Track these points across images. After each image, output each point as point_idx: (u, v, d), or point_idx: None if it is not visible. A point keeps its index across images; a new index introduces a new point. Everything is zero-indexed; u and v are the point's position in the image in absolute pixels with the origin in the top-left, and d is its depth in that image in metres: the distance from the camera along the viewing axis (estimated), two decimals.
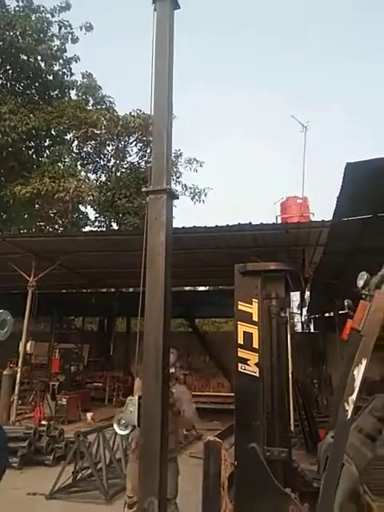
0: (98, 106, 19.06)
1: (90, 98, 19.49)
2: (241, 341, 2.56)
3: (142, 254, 3.42)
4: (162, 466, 2.96)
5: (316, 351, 13.00)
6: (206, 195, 17.68)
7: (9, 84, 18.29)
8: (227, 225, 7.31)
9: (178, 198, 3.56)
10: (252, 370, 2.49)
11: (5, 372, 9.77)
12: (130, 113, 16.53)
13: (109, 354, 15.04)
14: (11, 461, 6.26)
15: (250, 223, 7.13)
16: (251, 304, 2.59)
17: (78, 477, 5.50)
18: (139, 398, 3.07)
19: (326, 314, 14.18)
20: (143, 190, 3.57)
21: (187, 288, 18.65)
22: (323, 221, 6.76)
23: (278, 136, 58.64)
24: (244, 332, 2.56)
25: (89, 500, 4.98)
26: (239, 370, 2.51)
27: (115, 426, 3.14)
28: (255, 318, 2.57)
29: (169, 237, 3.39)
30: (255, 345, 2.53)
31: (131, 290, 17.35)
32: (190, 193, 17.65)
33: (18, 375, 9.60)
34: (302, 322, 14.54)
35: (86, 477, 5.58)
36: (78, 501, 4.99)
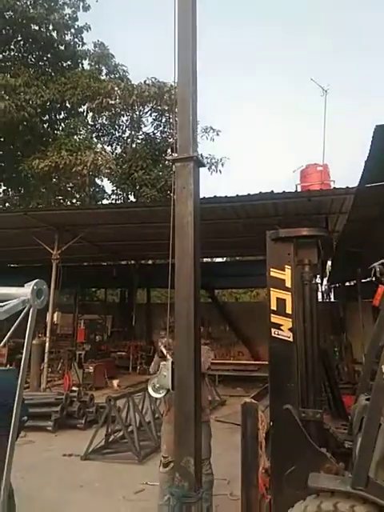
0: (112, 75, 18.70)
1: (103, 68, 19.12)
2: (274, 307, 2.59)
3: (170, 225, 3.44)
4: (196, 426, 3.08)
5: (336, 320, 13.02)
6: (222, 165, 17.40)
7: (21, 56, 18.05)
8: (248, 194, 7.22)
9: (204, 166, 3.52)
10: (285, 334, 2.53)
11: (34, 342, 10.11)
12: (145, 81, 16.19)
13: (131, 325, 15.39)
14: (45, 425, 6.62)
15: (272, 192, 7.03)
16: (284, 270, 2.60)
17: (111, 439, 5.78)
18: (173, 363, 3.17)
19: (347, 283, 14.10)
20: (168, 158, 3.58)
21: (206, 259, 18.74)
22: (347, 187, 6.61)
23: (296, 103, 56.58)
24: (277, 298, 2.59)
25: (122, 460, 5.25)
26: (272, 335, 2.56)
27: (150, 390, 3.27)
28: (288, 285, 2.58)
29: (197, 206, 3.39)
30: (288, 310, 2.56)
31: (150, 262, 17.55)
32: (207, 163, 17.38)
33: (47, 345, 9.96)
34: (322, 292, 14.50)
35: (118, 439, 5.85)
36: (112, 461, 5.27)
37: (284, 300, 2.57)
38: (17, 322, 3.01)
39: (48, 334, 10.02)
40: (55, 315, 10.42)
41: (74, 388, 8.31)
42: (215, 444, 3.94)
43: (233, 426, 7.07)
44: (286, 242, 2.62)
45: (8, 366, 11.83)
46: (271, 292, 2.61)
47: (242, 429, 2.30)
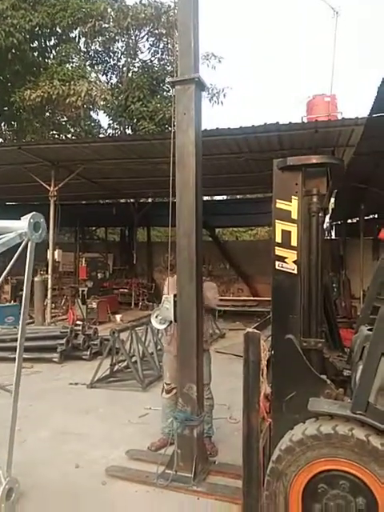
0: None
1: None
2: (279, 239, 2.51)
3: (171, 156, 3.27)
4: (198, 356, 3.16)
5: (336, 257, 13.09)
6: (224, 96, 16.50)
7: None
8: (252, 125, 6.88)
9: (207, 89, 3.27)
10: (290, 267, 2.48)
11: (36, 278, 10.24)
12: (141, 1, 14.86)
13: (132, 263, 15.53)
14: (51, 356, 6.87)
15: (277, 123, 6.69)
16: (290, 201, 2.49)
17: (115, 369, 6.02)
18: (174, 296, 3.18)
19: (349, 221, 14.00)
20: (168, 80, 3.34)
21: (206, 198, 18.44)
22: (357, 118, 6.27)
23: (304, 27, 52.24)
24: (282, 230, 2.50)
25: (127, 388, 5.50)
26: (277, 267, 2.51)
27: (153, 321, 3.32)
28: (294, 216, 2.49)
29: (198, 134, 3.21)
30: (294, 243, 2.49)
31: (150, 200, 17.29)
32: (208, 93, 16.47)
33: (49, 281, 10.10)
34: (324, 229, 14.44)
35: (123, 369, 6.10)
36: (117, 389, 5.52)
37: (289, 232, 2.49)
38: (15, 255, 2.97)
39: (50, 271, 10.11)
40: (56, 253, 10.43)
41: (78, 322, 8.53)
42: (215, 373, 4.08)
43: (231, 356, 7.36)
44: (294, 170, 2.47)
45: (11, 302, 12.14)
46: (276, 224, 2.52)
47: (244, 356, 2.33)
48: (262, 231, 20.42)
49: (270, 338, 2.57)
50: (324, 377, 2.47)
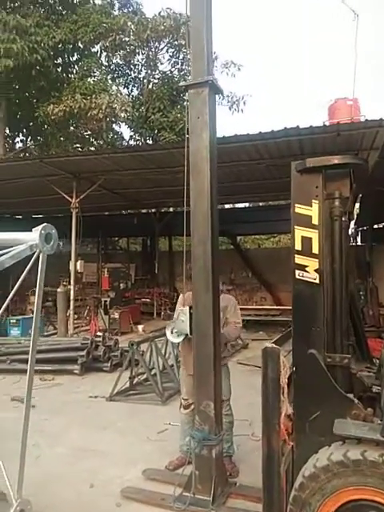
0: (125, 10, 17.48)
1: (116, 2, 17.88)
2: (298, 246, 2.34)
3: (185, 159, 3.16)
4: (215, 371, 3.00)
5: (363, 264, 12.66)
6: (244, 103, 16.41)
7: None
8: (272, 130, 6.72)
9: (222, 93, 3.16)
10: (311, 276, 2.31)
11: (59, 289, 10.32)
12: (160, 13, 15.02)
13: (154, 272, 15.49)
14: (72, 368, 6.83)
15: (298, 127, 6.50)
16: (310, 206, 2.32)
17: (135, 381, 5.90)
18: (190, 308, 3.04)
19: (375, 226, 13.55)
20: (182, 84, 3.20)
21: (227, 206, 18.30)
22: (381, 119, 6.03)
23: (325, 31, 51.74)
24: (302, 237, 2.34)
25: (146, 401, 5.36)
26: (297, 277, 2.34)
27: (168, 334, 3.18)
28: (315, 221, 2.32)
29: (213, 139, 3.08)
30: (315, 250, 2.31)
31: (171, 209, 17.28)
32: (228, 101, 16.42)
33: (72, 292, 10.14)
34: (349, 235, 14.02)
35: (142, 382, 5.97)
36: (136, 402, 5.39)
37: (310, 239, 2.32)
38: (27, 267, 2.90)
39: (72, 282, 10.15)
40: (78, 264, 10.48)
41: (98, 333, 8.49)
42: (237, 386, 3.91)
43: (254, 368, 7.12)
44: (314, 172, 2.31)
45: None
46: (296, 230, 2.36)
47: (262, 374, 2.17)
48: (285, 238, 20.05)
49: (290, 353, 2.38)
50: (351, 395, 2.27)
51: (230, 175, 9.31)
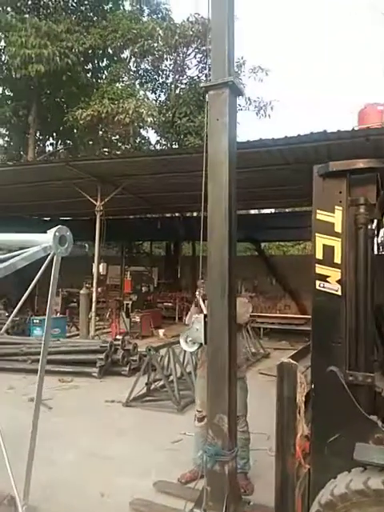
0: (154, 16, 17.67)
1: (145, 8, 18.10)
2: (319, 256, 2.20)
3: (203, 162, 3.07)
4: (230, 383, 2.86)
5: None
6: (272, 109, 16.23)
7: (62, 1, 17.37)
8: (298, 135, 6.55)
9: (242, 95, 3.05)
10: (333, 287, 2.16)
11: (81, 291, 10.41)
12: (188, 18, 15.07)
13: (176, 277, 15.46)
14: (91, 371, 6.82)
15: (325, 131, 6.31)
16: (333, 212, 2.18)
17: (152, 388, 5.82)
18: (205, 316, 2.93)
19: None
20: (202, 84, 3.11)
21: (253, 211, 18.08)
22: None
23: (356, 35, 50.65)
24: (324, 245, 2.19)
25: (162, 409, 5.27)
26: (317, 287, 2.19)
27: (182, 343, 3.08)
28: (338, 229, 2.17)
29: (232, 142, 2.97)
30: (337, 260, 2.16)
31: (195, 214, 17.23)
32: (255, 107, 16.28)
33: (94, 295, 10.20)
34: (378, 244, 13.54)
35: (159, 388, 5.88)
36: (152, 409, 5.31)
37: (332, 247, 2.17)
38: (41, 270, 2.87)
39: (95, 284, 10.22)
40: (101, 266, 10.56)
41: (118, 336, 8.48)
42: (256, 397, 3.77)
43: (275, 378, 6.92)
44: (338, 177, 2.17)
45: (62, 314, 12.41)
46: (317, 238, 2.22)
47: (277, 391, 2.03)
48: (310, 246, 19.63)
49: (309, 370, 2.24)
50: (374, 418, 2.09)
51: (255, 180, 9.15)
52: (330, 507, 1.90)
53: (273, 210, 17.67)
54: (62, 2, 17.32)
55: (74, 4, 17.75)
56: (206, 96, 3.01)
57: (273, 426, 4.30)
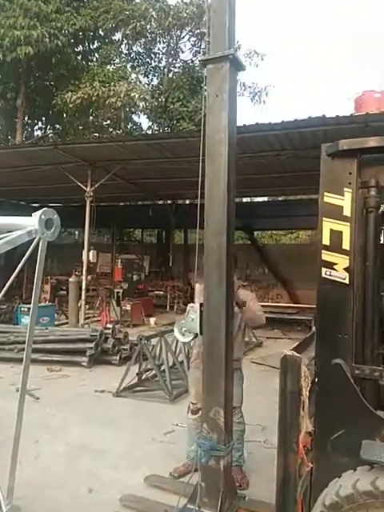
0: None
1: None
2: (326, 241, 2.05)
3: (200, 143, 2.89)
4: (227, 375, 2.73)
5: None
6: (267, 95, 15.94)
7: None
8: (295, 119, 6.37)
9: (244, 69, 2.85)
10: (340, 275, 2.02)
11: (70, 279, 10.20)
12: None
13: (168, 265, 15.29)
14: (80, 360, 6.66)
15: (324, 116, 6.14)
16: (342, 195, 2.03)
17: (143, 377, 5.69)
18: (201, 305, 2.78)
19: None
20: (200, 59, 2.91)
21: (245, 199, 17.90)
22: None
23: (354, 21, 49.72)
24: (331, 230, 2.04)
25: (154, 399, 5.14)
26: (323, 275, 2.05)
27: (176, 333, 2.93)
28: (347, 213, 2.02)
29: (232, 120, 2.78)
30: (345, 246, 2.02)
31: (187, 202, 17.01)
32: (250, 93, 15.98)
33: (84, 282, 10.00)
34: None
35: (150, 378, 5.76)
36: (143, 399, 5.18)
37: (340, 233, 2.03)
38: (26, 255, 2.68)
39: (84, 272, 10.00)
40: (91, 253, 10.32)
41: (108, 325, 8.32)
42: (250, 388, 3.66)
43: (269, 368, 6.84)
44: (348, 157, 2.01)
45: (51, 302, 12.21)
46: (324, 222, 2.06)
47: (280, 386, 1.90)
48: (304, 235, 19.56)
49: (313, 362, 2.10)
50: (382, 413, 1.98)
51: (250, 166, 8.96)
52: (335, 509, 1.78)
53: (266, 198, 17.52)
54: None
55: None
56: (204, 70, 2.82)
57: (267, 417, 4.24)
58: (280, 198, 16.76)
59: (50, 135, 18.57)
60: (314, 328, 2.35)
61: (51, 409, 4.68)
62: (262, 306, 12.00)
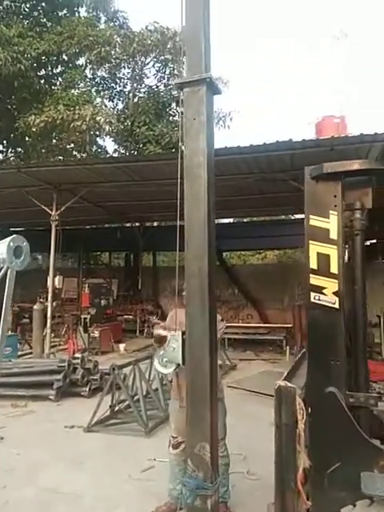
0: (111, 23, 17.38)
1: (102, 15, 17.79)
2: (314, 265, 2.01)
3: (174, 170, 2.83)
4: (212, 406, 2.59)
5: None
6: (231, 120, 16.36)
7: (14, 5, 16.69)
8: (264, 143, 6.49)
9: (220, 93, 2.84)
10: (329, 300, 1.97)
11: (35, 307, 9.75)
12: (147, 26, 14.93)
13: (137, 288, 15.02)
14: (47, 393, 6.28)
15: (290, 140, 6.30)
16: (328, 218, 2.00)
17: (116, 409, 5.42)
18: (183, 333, 2.66)
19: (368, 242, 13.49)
20: (175, 82, 2.87)
21: None
22: (376, 133, 5.87)
23: (312, 51, 52.34)
24: (318, 253, 2.00)
25: (128, 432, 4.88)
26: (312, 300, 1.99)
27: (157, 364, 2.78)
28: (333, 236, 1.99)
29: (210, 142, 2.74)
30: (333, 269, 1.98)
31: (156, 224, 16.94)
32: (215, 118, 16.34)
33: (49, 309, 9.58)
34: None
35: (124, 409, 5.49)
36: (117, 433, 4.90)
37: (328, 256, 1.99)
38: None
39: (50, 299, 9.60)
40: (57, 279, 9.95)
41: (77, 354, 7.95)
42: (228, 414, 3.50)
43: (244, 392, 6.72)
44: (332, 179, 2.00)
45: (13, 331, 11.59)
46: (310, 246, 2.03)
47: (275, 420, 1.80)
48: (271, 255, 19.88)
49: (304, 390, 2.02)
50: (377, 442, 1.91)
51: (218, 189, 9.01)
52: None
53: (231, 220, 17.76)
54: (13, 7, 16.63)
55: (27, 9, 17.12)
56: (181, 93, 2.78)
57: (248, 445, 4.09)
58: (245, 220, 17.06)
59: (12, 158, 18.12)
60: (304, 349, 2.29)
61: (18, 449, 4.32)
62: (234, 326, 11.95)
